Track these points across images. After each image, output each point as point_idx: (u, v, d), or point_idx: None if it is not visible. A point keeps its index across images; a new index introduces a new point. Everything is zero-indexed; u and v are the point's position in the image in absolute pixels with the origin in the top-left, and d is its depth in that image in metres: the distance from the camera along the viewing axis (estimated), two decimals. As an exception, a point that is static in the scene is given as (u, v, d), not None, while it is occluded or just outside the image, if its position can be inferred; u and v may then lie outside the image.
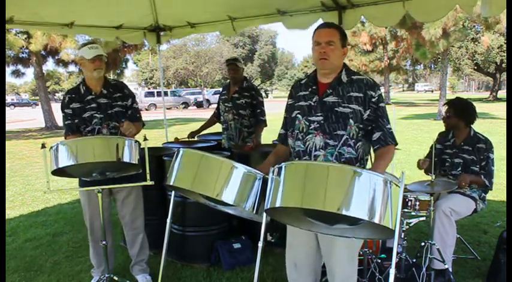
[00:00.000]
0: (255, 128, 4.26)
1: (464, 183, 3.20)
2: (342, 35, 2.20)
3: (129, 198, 3.19)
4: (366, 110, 2.14)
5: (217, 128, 4.73)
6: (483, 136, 3.40)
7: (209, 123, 4.67)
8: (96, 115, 3.02)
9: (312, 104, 2.22)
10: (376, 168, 2.03)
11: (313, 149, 2.17)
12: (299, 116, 2.26)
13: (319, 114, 2.19)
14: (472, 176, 3.29)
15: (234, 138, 4.29)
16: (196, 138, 4.63)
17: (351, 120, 2.14)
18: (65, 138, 3.05)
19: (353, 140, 2.16)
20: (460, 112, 3.38)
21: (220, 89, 4.90)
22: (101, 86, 3.05)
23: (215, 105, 4.74)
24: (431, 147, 3.49)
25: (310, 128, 2.19)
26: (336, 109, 2.16)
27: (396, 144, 2.20)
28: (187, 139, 4.38)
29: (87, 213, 3.16)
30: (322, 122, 2.17)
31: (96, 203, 2.96)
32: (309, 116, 2.22)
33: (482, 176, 3.29)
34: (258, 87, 5.12)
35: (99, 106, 3.03)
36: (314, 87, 2.26)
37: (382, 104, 2.17)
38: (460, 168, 3.38)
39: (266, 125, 4.26)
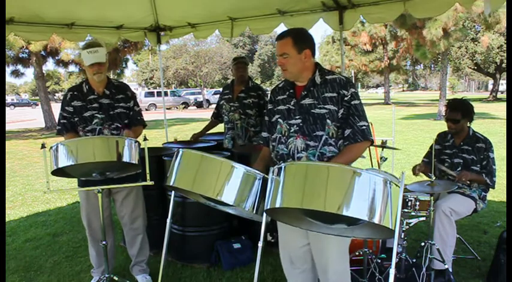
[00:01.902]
0: None
1: (464, 179, 3.19)
2: (297, 40, 2.17)
3: (128, 199, 3.19)
4: (340, 109, 2.18)
5: (217, 128, 4.72)
6: (482, 135, 3.40)
7: (211, 125, 4.63)
8: (98, 115, 3.02)
9: (291, 107, 2.27)
10: (332, 162, 2.07)
11: (296, 151, 2.22)
12: (280, 120, 2.31)
13: (297, 117, 2.23)
14: (473, 174, 3.29)
15: (241, 137, 4.27)
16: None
17: (328, 121, 2.18)
18: (57, 134, 3.09)
19: (333, 139, 2.20)
20: (466, 113, 3.37)
21: (220, 89, 4.86)
22: (103, 86, 3.05)
23: (215, 105, 4.73)
24: (430, 148, 3.49)
25: (291, 131, 2.24)
26: (313, 111, 2.20)
27: (369, 140, 2.20)
28: (188, 139, 4.38)
29: (84, 213, 3.16)
30: (301, 124, 2.22)
31: (94, 202, 2.96)
32: (288, 120, 2.27)
33: (483, 175, 3.29)
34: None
35: (101, 106, 3.03)
36: (291, 91, 2.30)
37: (355, 102, 2.18)
38: (460, 169, 3.38)
39: None
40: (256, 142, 4.14)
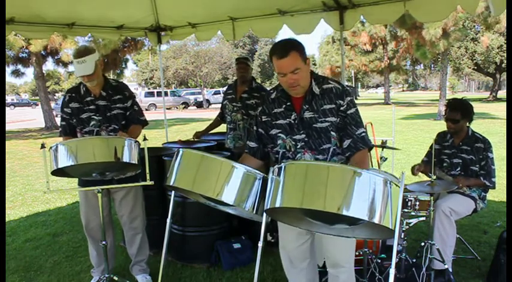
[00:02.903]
0: None
1: (461, 185, 3.21)
2: (301, 50, 2.06)
3: (127, 198, 3.18)
4: (337, 119, 2.16)
5: (219, 128, 4.72)
6: (481, 135, 3.40)
7: (215, 124, 4.63)
8: (94, 117, 3.01)
9: (292, 122, 2.21)
10: None
11: None
12: (282, 135, 2.25)
13: (301, 132, 2.19)
14: (471, 180, 3.30)
15: (243, 138, 4.25)
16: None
17: (332, 132, 2.17)
18: (59, 136, 3.10)
19: (340, 148, 2.19)
20: (466, 113, 3.37)
21: (220, 89, 4.81)
22: (100, 88, 3.04)
23: (215, 105, 4.73)
24: (430, 147, 3.49)
25: (298, 147, 2.21)
26: (315, 125, 2.17)
27: (369, 146, 2.19)
28: (191, 139, 4.37)
29: (83, 212, 3.16)
30: (306, 139, 2.19)
31: (93, 202, 2.97)
32: (292, 135, 2.21)
33: (481, 178, 3.29)
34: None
35: (97, 108, 3.02)
36: (288, 104, 2.23)
37: (351, 111, 2.16)
38: (459, 168, 3.38)
39: None
40: None
